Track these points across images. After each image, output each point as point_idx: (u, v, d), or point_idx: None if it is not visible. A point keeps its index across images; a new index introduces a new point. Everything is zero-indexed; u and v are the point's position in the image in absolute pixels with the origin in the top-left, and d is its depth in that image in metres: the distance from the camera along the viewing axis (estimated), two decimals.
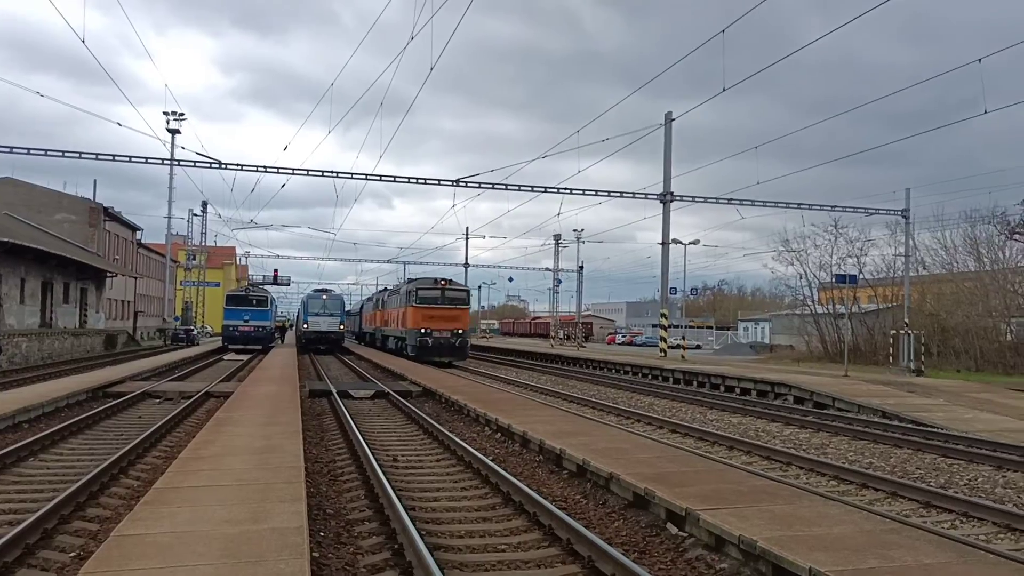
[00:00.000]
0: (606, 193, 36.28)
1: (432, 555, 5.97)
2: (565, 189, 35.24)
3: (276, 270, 70.30)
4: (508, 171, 70.27)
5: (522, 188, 35.05)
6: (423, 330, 33.43)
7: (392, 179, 35.41)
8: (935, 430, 14.53)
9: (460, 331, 34.38)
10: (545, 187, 35.33)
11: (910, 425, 15.36)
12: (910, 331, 33.38)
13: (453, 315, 34.51)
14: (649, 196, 35.95)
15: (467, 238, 43.95)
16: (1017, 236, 40.83)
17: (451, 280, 36.28)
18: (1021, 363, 35.72)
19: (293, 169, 33.36)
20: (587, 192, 35.82)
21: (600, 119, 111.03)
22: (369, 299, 60.84)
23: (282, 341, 56.24)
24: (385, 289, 54.17)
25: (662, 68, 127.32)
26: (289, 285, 78.98)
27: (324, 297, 48.32)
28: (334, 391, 19.10)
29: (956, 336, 39.56)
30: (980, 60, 19.83)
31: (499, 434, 13.33)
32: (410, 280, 41.15)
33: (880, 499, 9.22)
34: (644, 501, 7.80)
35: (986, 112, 21.98)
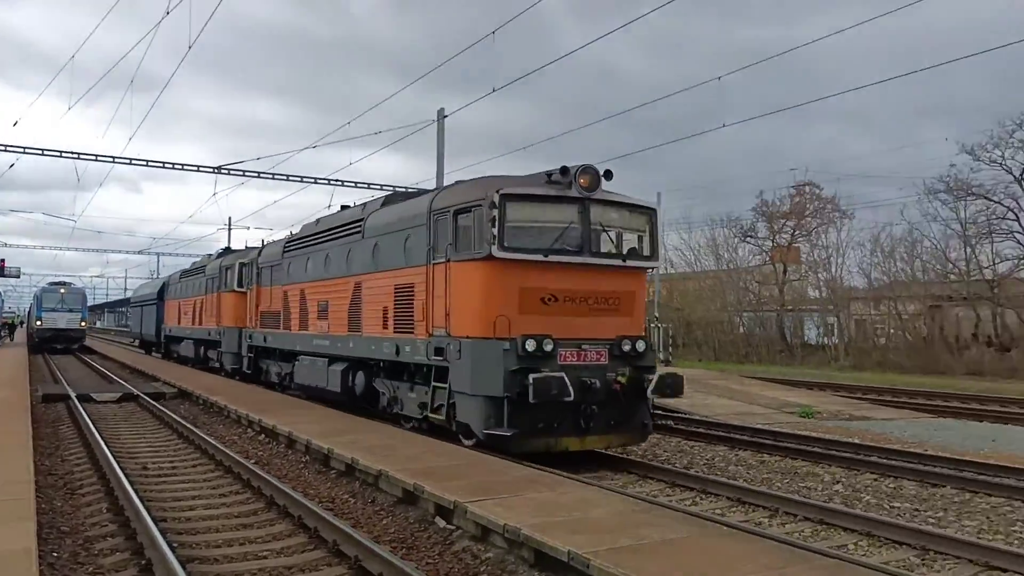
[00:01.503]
0: (378, 186, 35.88)
1: (184, 568, 5.55)
2: (336, 181, 34.37)
3: (3, 260, 62.47)
4: (276, 159, 67.18)
5: (290, 178, 33.67)
6: (527, 343, 9.38)
7: (145, 163, 32.32)
8: (680, 415, 15.89)
9: (633, 343, 10.26)
10: (315, 178, 34.30)
11: (659, 411, 16.62)
12: (659, 324, 36.30)
13: (615, 291, 10.44)
14: (423, 191, 36.09)
15: (230, 229, 41.43)
16: (749, 238, 45.83)
17: (598, 169, 10.43)
18: (752, 352, 40.12)
19: (24, 148, 29.66)
20: (359, 184, 35.21)
21: (372, 111, 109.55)
22: (196, 270, 28.92)
23: (11, 340, 50.43)
24: (281, 243, 18.96)
25: (434, 63, 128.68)
26: (19, 277, 70.41)
27: (62, 291, 43.93)
28: (72, 395, 17.29)
29: (698, 329, 43.66)
30: (720, 78, 21.69)
31: (263, 435, 12.74)
32: (443, 188, 13.60)
33: (633, 481, 9.87)
34: (413, 496, 7.79)
35: (724, 125, 24.41)
